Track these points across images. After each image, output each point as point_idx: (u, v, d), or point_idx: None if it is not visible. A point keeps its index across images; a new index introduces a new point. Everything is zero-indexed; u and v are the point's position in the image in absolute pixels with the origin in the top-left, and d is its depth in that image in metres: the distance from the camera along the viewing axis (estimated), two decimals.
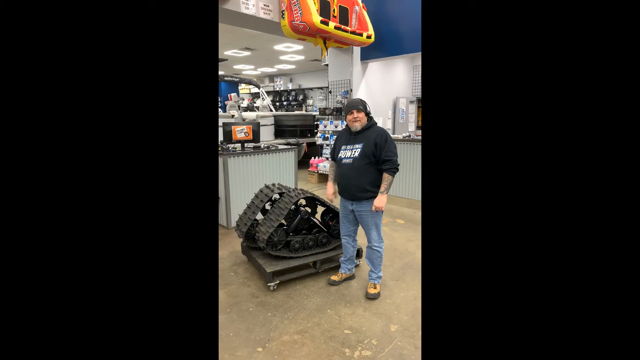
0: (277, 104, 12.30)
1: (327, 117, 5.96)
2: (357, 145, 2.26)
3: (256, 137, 3.88)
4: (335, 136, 5.89)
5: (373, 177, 2.23)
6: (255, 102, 9.87)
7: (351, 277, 2.65)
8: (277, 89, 12.65)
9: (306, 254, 2.68)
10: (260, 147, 4.00)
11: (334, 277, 2.59)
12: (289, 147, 4.20)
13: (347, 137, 2.34)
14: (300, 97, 12.11)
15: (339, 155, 2.35)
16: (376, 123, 2.34)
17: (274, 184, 2.84)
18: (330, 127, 5.82)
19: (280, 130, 7.15)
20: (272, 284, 2.46)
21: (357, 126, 2.26)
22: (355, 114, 2.24)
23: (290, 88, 12.45)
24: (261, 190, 2.80)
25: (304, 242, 2.69)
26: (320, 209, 2.99)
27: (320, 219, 2.93)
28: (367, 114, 2.29)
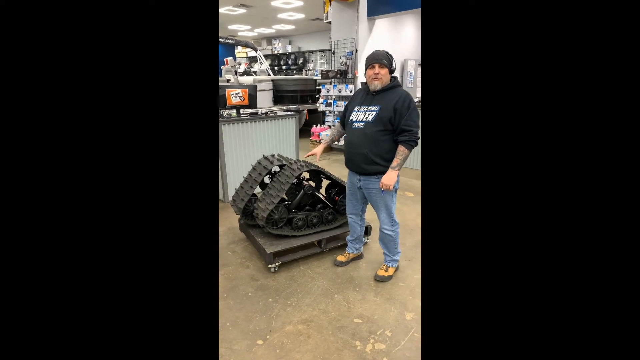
0: (276, 68, 11.65)
1: (330, 80, 5.52)
2: (372, 108, 1.90)
3: (252, 102, 3.52)
4: (338, 102, 5.49)
5: (385, 147, 1.88)
6: (252, 67, 9.29)
7: (359, 257, 2.42)
8: (276, 52, 11.93)
9: (310, 232, 2.43)
10: (257, 113, 3.64)
11: (341, 258, 2.36)
12: (289, 113, 3.83)
13: (364, 96, 1.98)
14: (300, 60, 11.44)
15: (350, 117, 1.99)
16: (400, 85, 1.96)
17: (273, 155, 2.53)
18: (334, 92, 5.39)
19: (280, 96, 6.70)
20: (273, 265, 2.23)
21: (376, 84, 1.89)
22: (377, 69, 1.86)
23: (290, 51, 11.73)
24: (259, 162, 2.50)
25: (307, 220, 2.43)
26: (325, 183, 2.70)
27: (324, 194, 2.66)
28: (391, 72, 1.92)
